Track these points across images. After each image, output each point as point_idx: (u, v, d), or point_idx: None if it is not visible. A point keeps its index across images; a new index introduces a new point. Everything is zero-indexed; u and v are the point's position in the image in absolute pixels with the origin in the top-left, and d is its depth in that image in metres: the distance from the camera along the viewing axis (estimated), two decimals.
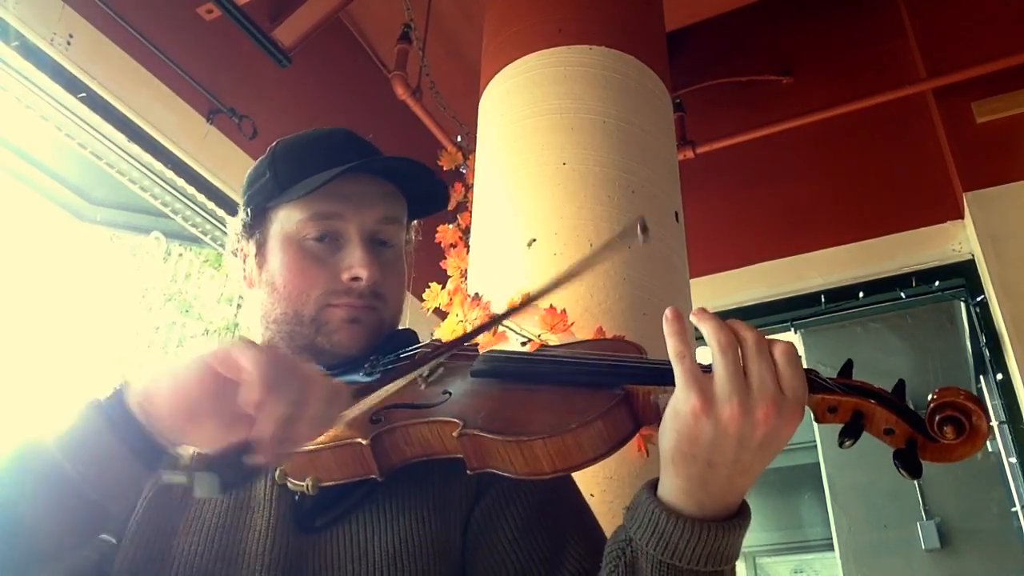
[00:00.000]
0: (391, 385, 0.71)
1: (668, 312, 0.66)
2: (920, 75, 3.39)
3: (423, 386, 0.82)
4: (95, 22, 2.53)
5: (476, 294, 2.01)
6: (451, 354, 0.81)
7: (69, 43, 2.45)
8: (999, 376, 3.13)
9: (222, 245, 3.26)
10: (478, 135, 2.39)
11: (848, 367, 0.67)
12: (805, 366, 0.65)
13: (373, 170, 0.93)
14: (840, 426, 0.65)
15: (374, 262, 0.90)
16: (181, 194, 2.95)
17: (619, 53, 2.27)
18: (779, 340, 0.64)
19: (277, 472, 0.81)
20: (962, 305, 3.63)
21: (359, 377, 0.86)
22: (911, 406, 0.65)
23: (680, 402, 0.63)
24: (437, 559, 0.80)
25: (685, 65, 3.82)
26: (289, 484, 0.80)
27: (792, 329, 3.94)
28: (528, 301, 0.90)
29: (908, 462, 0.62)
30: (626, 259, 1.97)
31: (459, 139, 3.36)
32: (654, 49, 2.43)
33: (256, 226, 0.95)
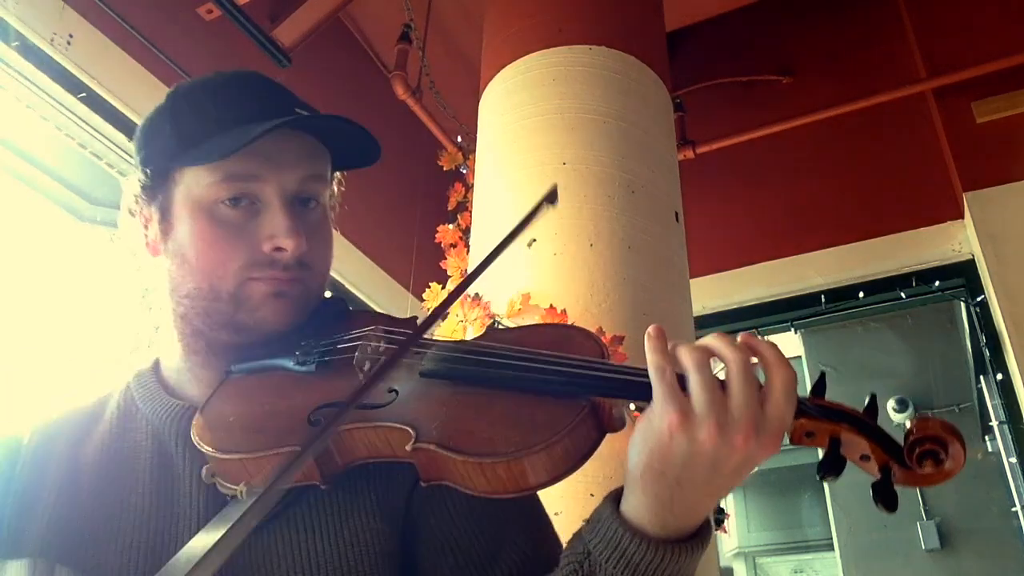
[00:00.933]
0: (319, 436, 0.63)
1: (651, 329, 0.63)
2: (920, 75, 3.39)
3: (363, 380, 0.73)
4: (95, 22, 2.53)
5: (476, 294, 2.01)
6: (400, 354, 0.72)
7: (69, 43, 2.45)
8: (999, 376, 3.13)
9: None
10: (478, 135, 2.39)
11: (821, 380, 0.64)
12: (806, 370, 0.63)
13: (295, 127, 0.81)
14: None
15: (298, 229, 0.78)
16: None
17: (619, 53, 2.27)
18: (782, 365, 0.61)
19: (204, 472, 0.74)
20: (962, 305, 3.64)
21: (289, 364, 0.78)
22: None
23: (656, 417, 0.60)
24: (381, 560, 0.74)
25: (685, 65, 3.82)
26: (219, 486, 0.73)
27: (792, 329, 3.94)
28: (465, 283, 0.79)
29: (886, 493, 0.60)
30: (626, 259, 1.97)
31: (459, 139, 3.36)
32: (654, 49, 2.43)
33: (158, 188, 0.82)
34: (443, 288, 2.32)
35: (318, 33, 3.13)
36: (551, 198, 0.83)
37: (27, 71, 2.41)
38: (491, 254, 0.75)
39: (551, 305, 1.87)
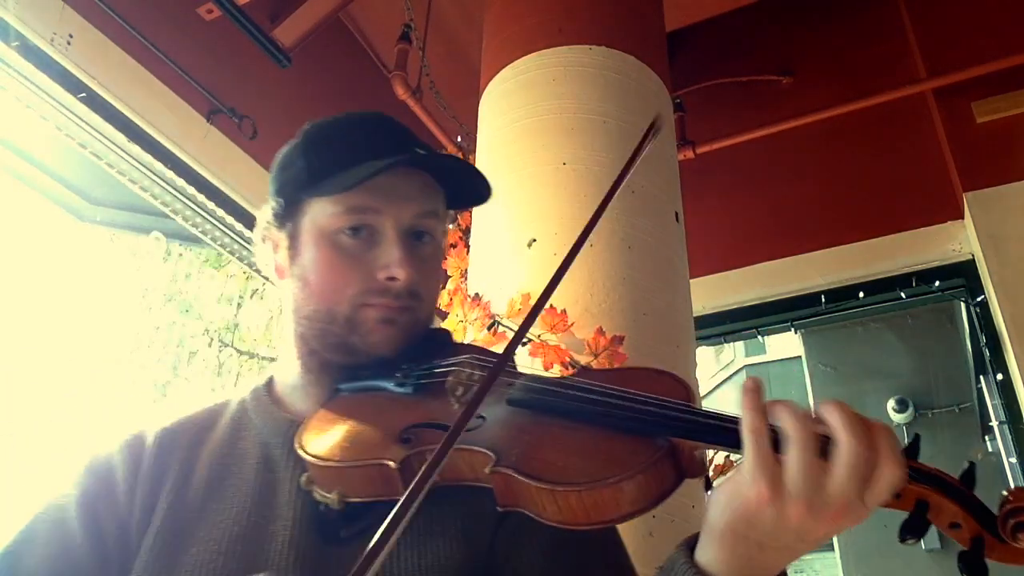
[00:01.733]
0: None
1: (748, 382, 0.60)
2: (920, 75, 3.39)
3: (456, 405, 0.78)
4: (95, 22, 2.53)
5: (476, 294, 2.01)
6: (492, 379, 0.73)
7: (69, 43, 2.45)
8: (999, 376, 3.13)
9: (222, 245, 3.26)
10: (478, 135, 2.39)
11: (916, 442, 0.61)
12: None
13: (412, 166, 0.89)
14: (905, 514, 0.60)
15: (411, 261, 0.86)
16: (181, 194, 2.95)
17: (619, 53, 2.27)
18: (892, 456, 0.56)
19: (303, 478, 0.80)
20: (962, 305, 3.63)
21: (390, 385, 0.85)
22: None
23: (745, 485, 0.58)
24: None
25: (685, 65, 3.82)
26: (315, 494, 0.79)
27: (792, 329, 3.94)
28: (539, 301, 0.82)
29: (974, 566, 0.57)
30: (626, 259, 1.97)
31: (459, 139, 3.36)
32: (654, 49, 2.43)
33: (287, 216, 0.91)
34: (443, 288, 2.32)
35: (318, 33, 3.13)
36: (656, 130, 0.86)
37: (27, 71, 2.41)
38: (598, 209, 0.80)
39: (551, 305, 1.86)
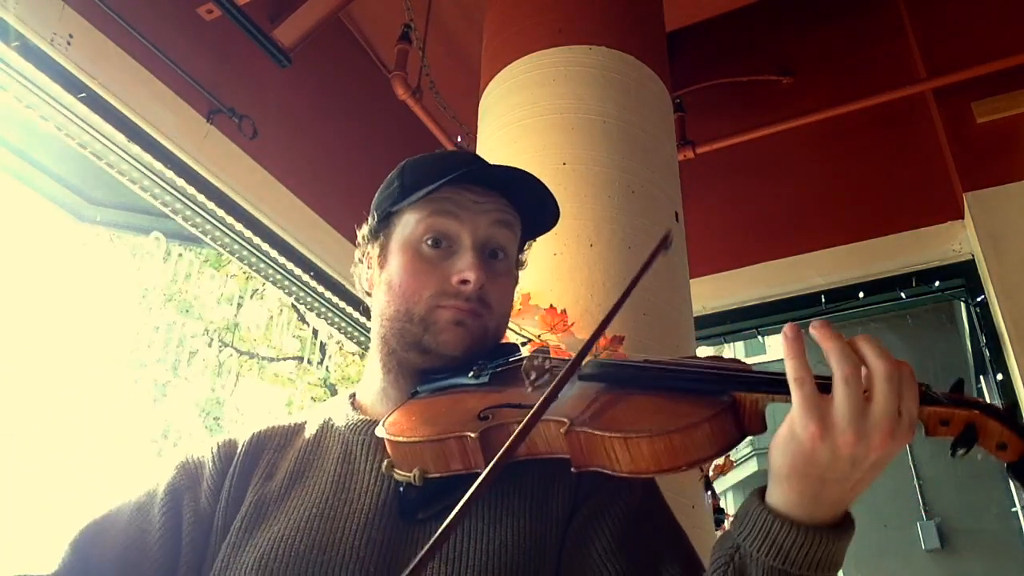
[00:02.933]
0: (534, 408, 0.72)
1: (787, 329, 0.66)
2: (920, 75, 3.38)
3: (529, 389, 0.85)
4: (95, 22, 2.53)
5: None
6: (567, 372, 0.80)
7: (69, 43, 2.45)
8: (999, 376, 3.12)
9: (222, 245, 3.25)
10: (478, 135, 2.39)
11: (959, 384, 0.67)
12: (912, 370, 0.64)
13: (491, 176, 0.98)
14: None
15: (483, 268, 0.94)
16: (181, 194, 2.94)
17: (619, 53, 2.27)
18: (903, 364, 0.64)
19: (384, 463, 0.85)
20: (962, 305, 3.63)
21: (466, 380, 0.90)
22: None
23: (798, 427, 0.64)
24: (531, 564, 0.83)
25: (685, 65, 3.82)
26: (396, 475, 0.83)
27: None
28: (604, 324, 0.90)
29: (1022, 471, 0.63)
30: (626, 259, 1.97)
31: (459, 139, 3.36)
32: (654, 49, 2.43)
33: (381, 230, 1.00)
34: None
35: (318, 33, 3.13)
36: (666, 245, 0.95)
37: (27, 71, 2.41)
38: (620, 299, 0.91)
39: (551, 305, 1.87)
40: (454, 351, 0.93)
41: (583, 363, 0.83)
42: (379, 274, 1.00)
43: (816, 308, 3.55)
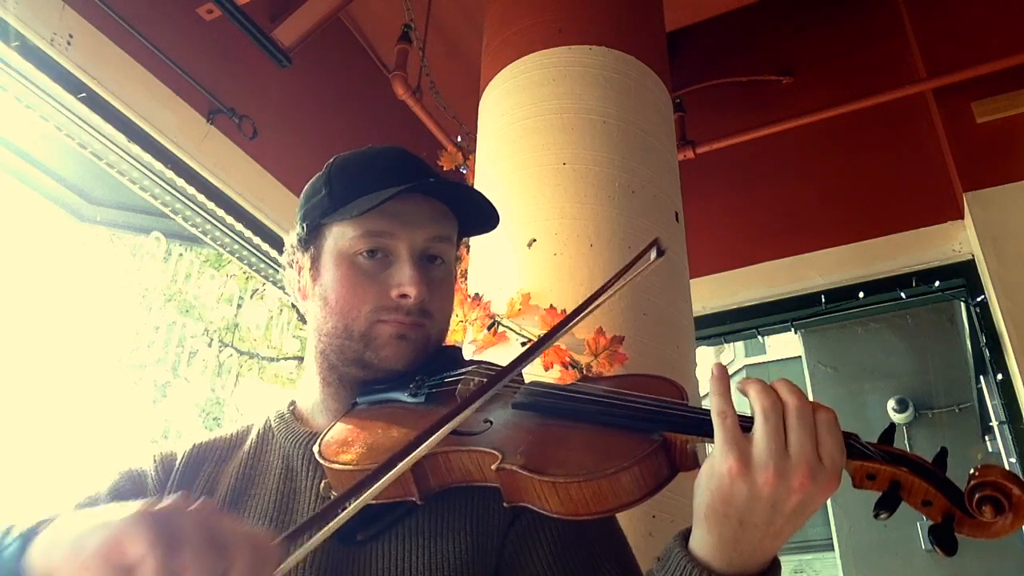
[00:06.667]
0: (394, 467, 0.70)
1: (714, 369, 0.66)
2: (920, 75, 3.38)
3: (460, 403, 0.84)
4: (95, 22, 2.53)
5: (476, 294, 2.01)
6: (497, 387, 0.80)
7: (69, 43, 2.45)
8: (999, 376, 3.12)
9: (222, 245, 3.25)
10: (478, 135, 2.39)
11: (890, 431, 0.66)
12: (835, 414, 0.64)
13: (424, 192, 0.95)
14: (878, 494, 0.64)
15: (422, 280, 0.91)
16: (181, 194, 2.95)
17: (619, 53, 2.27)
18: (821, 406, 0.64)
19: (322, 485, 0.85)
20: (962, 305, 3.63)
21: (403, 397, 0.89)
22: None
23: (717, 462, 0.64)
24: (473, 574, 0.82)
25: (685, 65, 3.82)
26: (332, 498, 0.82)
27: (792, 329, 3.94)
28: (566, 322, 0.89)
29: (943, 538, 0.61)
30: (626, 259, 1.97)
31: (459, 139, 3.36)
32: (654, 49, 2.43)
33: (311, 240, 0.97)
34: None
35: (318, 33, 3.13)
36: (658, 251, 0.91)
37: (27, 71, 2.41)
38: (594, 295, 0.89)
39: (551, 305, 1.87)
40: (396, 365, 0.92)
41: (517, 389, 0.83)
42: (312, 286, 0.97)
43: (816, 308, 3.55)
